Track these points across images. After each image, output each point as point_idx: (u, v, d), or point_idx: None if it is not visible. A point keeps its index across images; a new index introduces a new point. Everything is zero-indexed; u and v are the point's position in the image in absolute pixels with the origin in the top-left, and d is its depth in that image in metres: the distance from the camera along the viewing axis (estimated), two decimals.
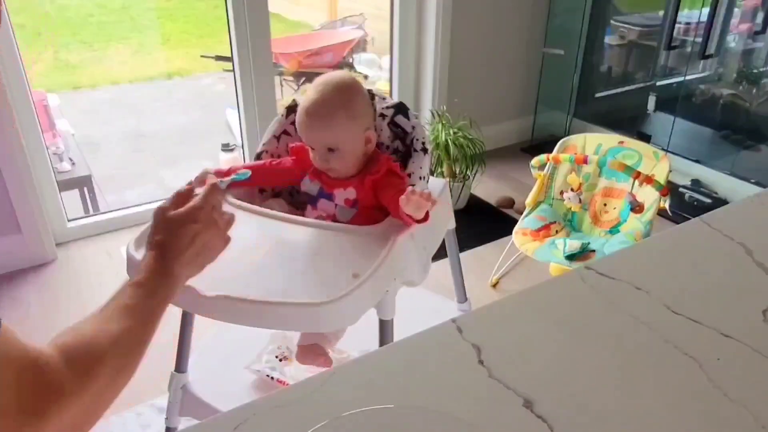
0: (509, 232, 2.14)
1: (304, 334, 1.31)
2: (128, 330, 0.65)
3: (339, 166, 1.19)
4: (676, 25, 2.81)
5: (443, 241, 1.45)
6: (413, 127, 1.29)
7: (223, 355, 1.45)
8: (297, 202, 1.32)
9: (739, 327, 0.72)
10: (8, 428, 0.52)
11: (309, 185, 1.28)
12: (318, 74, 1.35)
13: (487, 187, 2.94)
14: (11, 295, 2.18)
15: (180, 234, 0.79)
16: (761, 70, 2.93)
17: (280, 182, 1.33)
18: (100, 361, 0.61)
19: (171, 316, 1.20)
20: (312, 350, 1.28)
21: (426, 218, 1.09)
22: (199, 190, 0.87)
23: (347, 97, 1.17)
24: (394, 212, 1.12)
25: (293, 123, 1.28)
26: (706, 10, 2.67)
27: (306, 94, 1.19)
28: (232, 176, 1.09)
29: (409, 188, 1.05)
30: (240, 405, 0.62)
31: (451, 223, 1.49)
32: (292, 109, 1.32)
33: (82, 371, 0.58)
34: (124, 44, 6.06)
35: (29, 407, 0.53)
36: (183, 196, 0.85)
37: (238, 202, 1.22)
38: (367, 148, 1.22)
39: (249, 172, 1.13)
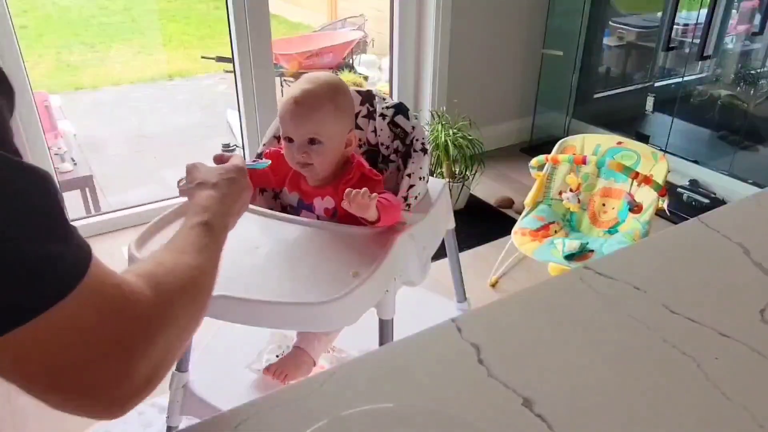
0: (508, 232, 2.14)
1: (300, 333, 1.32)
2: (202, 266, 0.62)
3: (318, 162, 1.18)
4: (675, 27, 2.81)
5: (443, 241, 1.46)
6: (413, 128, 1.30)
7: (224, 354, 1.45)
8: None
9: (737, 326, 0.72)
10: (102, 369, 0.47)
11: (288, 197, 1.28)
12: None
13: (487, 188, 2.94)
14: None
15: (241, 182, 0.83)
16: (759, 71, 2.94)
17: (254, 184, 1.32)
18: (183, 291, 0.57)
19: None
20: (295, 360, 1.28)
21: (379, 220, 1.11)
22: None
23: (336, 92, 1.18)
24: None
25: None
26: (704, 12, 2.67)
27: (293, 86, 1.19)
28: (255, 163, 1.10)
29: (347, 191, 1.05)
30: (241, 404, 0.63)
31: (451, 223, 1.50)
32: None
33: (167, 301, 0.54)
34: (125, 45, 6.07)
35: (120, 342, 0.49)
36: (220, 160, 0.90)
37: None
38: (346, 150, 1.22)
39: (269, 162, 1.16)
